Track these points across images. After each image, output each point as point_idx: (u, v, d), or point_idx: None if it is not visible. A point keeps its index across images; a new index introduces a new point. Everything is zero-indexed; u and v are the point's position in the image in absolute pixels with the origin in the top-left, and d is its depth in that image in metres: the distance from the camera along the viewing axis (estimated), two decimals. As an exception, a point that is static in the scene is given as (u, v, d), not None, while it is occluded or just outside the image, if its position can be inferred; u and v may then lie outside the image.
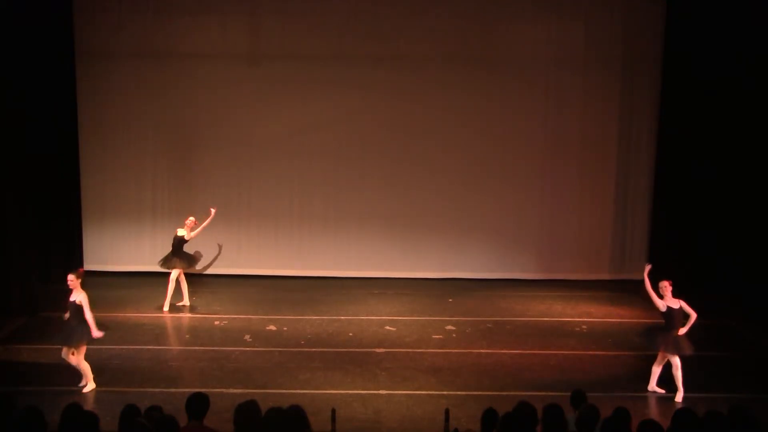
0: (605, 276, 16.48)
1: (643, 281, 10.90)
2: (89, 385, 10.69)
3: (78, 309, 10.51)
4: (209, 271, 16.19)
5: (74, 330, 10.59)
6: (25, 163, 14.24)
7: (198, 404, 6.67)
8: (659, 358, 10.89)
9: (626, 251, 16.36)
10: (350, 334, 13.28)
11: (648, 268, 10.98)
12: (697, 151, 15.60)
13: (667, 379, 10.85)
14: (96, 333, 10.56)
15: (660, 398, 10.74)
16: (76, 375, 10.80)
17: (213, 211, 14.49)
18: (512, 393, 10.27)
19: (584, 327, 13.80)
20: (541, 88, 16.36)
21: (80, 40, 15.78)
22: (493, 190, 16.60)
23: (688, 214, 15.79)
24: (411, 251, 16.71)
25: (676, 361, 10.65)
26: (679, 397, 10.64)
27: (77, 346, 10.65)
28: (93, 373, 10.78)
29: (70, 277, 10.59)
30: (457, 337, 13.30)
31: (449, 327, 13.70)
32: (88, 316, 10.50)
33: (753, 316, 13.92)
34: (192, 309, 14.38)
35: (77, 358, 10.68)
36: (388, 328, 13.63)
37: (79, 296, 10.53)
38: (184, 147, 16.43)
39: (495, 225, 16.64)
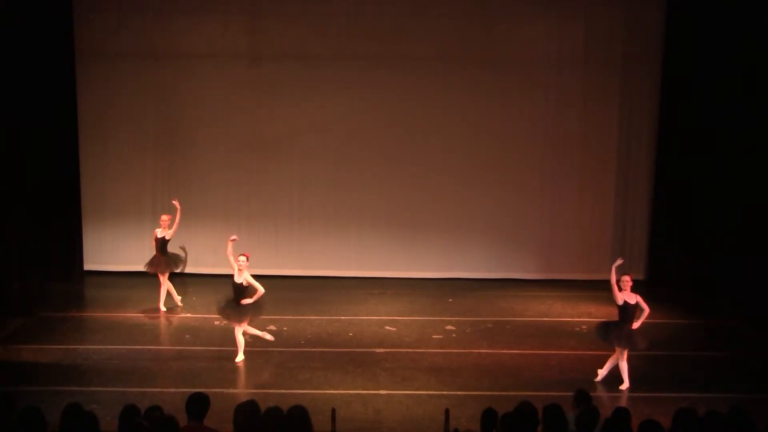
0: (605, 276, 16.37)
1: (611, 273, 11.19)
2: (239, 357, 11.76)
3: (244, 289, 11.70)
4: (210, 272, 16.16)
5: (239, 308, 11.75)
6: (25, 163, 14.24)
7: (198, 404, 6.67)
8: (616, 352, 11.23)
9: (626, 251, 16.29)
10: (350, 334, 13.28)
11: (620, 261, 11.35)
12: (696, 150, 15.59)
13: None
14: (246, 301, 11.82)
15: (659, 398, 10.74)
16: (76, 375, 10.80)
17: (176, 203, 14.15)
18: (512, 393, 10.28)
19: (584, 327, 13.79)
20: (541, 88, 16.35)
21: (80, 40, 15.73)
22: (493, 190, 16.58)
23: (688, 214, 15.79)
24: (411, 251, 16.70)
25: (624, 354, 11.09)
26: (624, 386, 11.08)
27: (242, 322, 11.83)
28: (92, 372, 10.81)
29: (242, 258, 11.71)
30: (457, 337, 13.30)
31: (449, 327, 13.69)
32: (260, 288, 11.72)
33: (753, 316, 13.92)
34: (192, 309, 14.37)
35: (237, 332, 11.80)
36: (388, 328, 13.63)
37: (247, 278, 11.66)
38: (184, 147, 16.41)
39: (495, 225, 16.63)
